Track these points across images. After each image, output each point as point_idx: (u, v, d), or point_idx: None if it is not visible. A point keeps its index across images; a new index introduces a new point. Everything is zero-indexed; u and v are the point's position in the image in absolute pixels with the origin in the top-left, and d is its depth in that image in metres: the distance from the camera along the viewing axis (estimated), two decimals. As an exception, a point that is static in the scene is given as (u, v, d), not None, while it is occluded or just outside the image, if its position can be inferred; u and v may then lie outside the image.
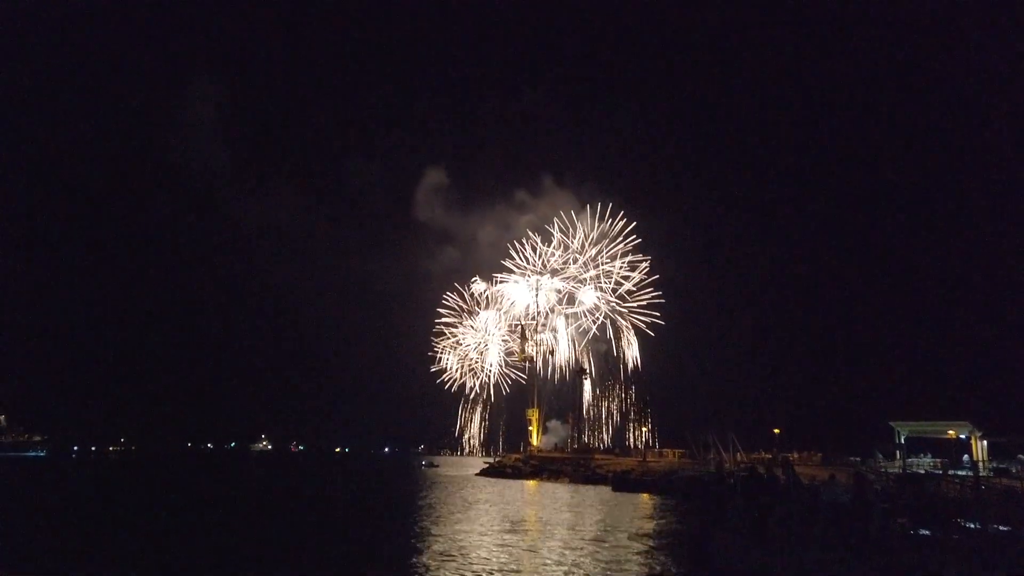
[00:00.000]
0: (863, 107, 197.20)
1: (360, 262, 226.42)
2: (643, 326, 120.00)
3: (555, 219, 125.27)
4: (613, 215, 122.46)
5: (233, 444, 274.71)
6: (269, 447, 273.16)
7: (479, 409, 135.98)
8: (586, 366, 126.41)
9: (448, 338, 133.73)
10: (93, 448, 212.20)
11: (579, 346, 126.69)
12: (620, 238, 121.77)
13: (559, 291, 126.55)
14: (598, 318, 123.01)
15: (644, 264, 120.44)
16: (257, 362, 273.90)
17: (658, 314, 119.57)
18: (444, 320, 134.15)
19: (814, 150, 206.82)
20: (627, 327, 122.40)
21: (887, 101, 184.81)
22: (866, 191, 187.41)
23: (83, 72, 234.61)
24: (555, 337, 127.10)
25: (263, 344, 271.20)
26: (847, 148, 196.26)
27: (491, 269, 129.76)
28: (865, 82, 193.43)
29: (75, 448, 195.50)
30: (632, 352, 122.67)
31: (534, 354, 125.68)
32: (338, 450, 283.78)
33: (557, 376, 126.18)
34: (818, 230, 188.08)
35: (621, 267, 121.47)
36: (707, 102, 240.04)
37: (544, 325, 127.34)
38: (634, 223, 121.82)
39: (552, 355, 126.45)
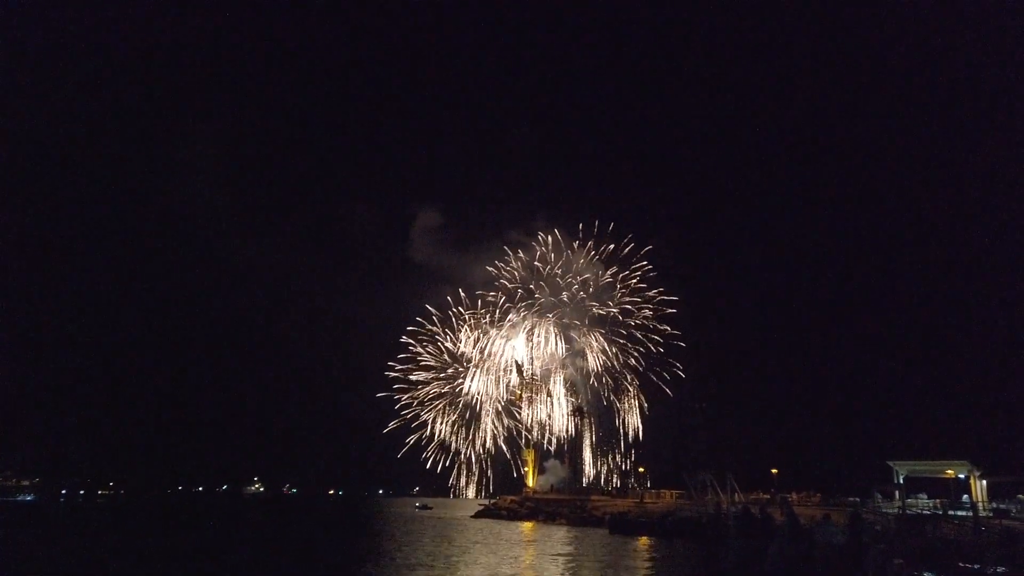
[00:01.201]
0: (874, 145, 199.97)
1: (355, 303, 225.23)
2: (655, 379, 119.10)
3: (550, 251, 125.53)
4: (617, 242, 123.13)
5: (225, 487, 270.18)
6: (262, 489, 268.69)
7: (473, 460, 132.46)
8: (584, 406, 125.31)
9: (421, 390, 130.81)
10: (82, 492, 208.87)
11: (579, 388, 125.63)
12: (627, 271, 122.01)
13: (557, 332, 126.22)
14: (599, 370, 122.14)
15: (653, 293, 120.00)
16: (250, 403, 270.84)
17: (679, 365, 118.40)
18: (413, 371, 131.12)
19: (812, 186, 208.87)
20: (632, 385, 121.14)
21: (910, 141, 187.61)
22: (863, 229, 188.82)
23: (79, 110, 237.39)
24: (552, 377, 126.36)
25: (256, 384, 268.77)
26: (844, 181, 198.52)
27: (486, 308, 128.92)
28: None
29: (64, 492, 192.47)
30: (634, 420, 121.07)
31: (531, 393, 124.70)
32: (332, 492, 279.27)
33: (555, 415, 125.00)
34: (817, 270, 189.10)
35: (621, 298, 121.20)
36: (708, 139, 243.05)
37: (542, 372, 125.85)
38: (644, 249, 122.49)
39: (549, 395, 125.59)
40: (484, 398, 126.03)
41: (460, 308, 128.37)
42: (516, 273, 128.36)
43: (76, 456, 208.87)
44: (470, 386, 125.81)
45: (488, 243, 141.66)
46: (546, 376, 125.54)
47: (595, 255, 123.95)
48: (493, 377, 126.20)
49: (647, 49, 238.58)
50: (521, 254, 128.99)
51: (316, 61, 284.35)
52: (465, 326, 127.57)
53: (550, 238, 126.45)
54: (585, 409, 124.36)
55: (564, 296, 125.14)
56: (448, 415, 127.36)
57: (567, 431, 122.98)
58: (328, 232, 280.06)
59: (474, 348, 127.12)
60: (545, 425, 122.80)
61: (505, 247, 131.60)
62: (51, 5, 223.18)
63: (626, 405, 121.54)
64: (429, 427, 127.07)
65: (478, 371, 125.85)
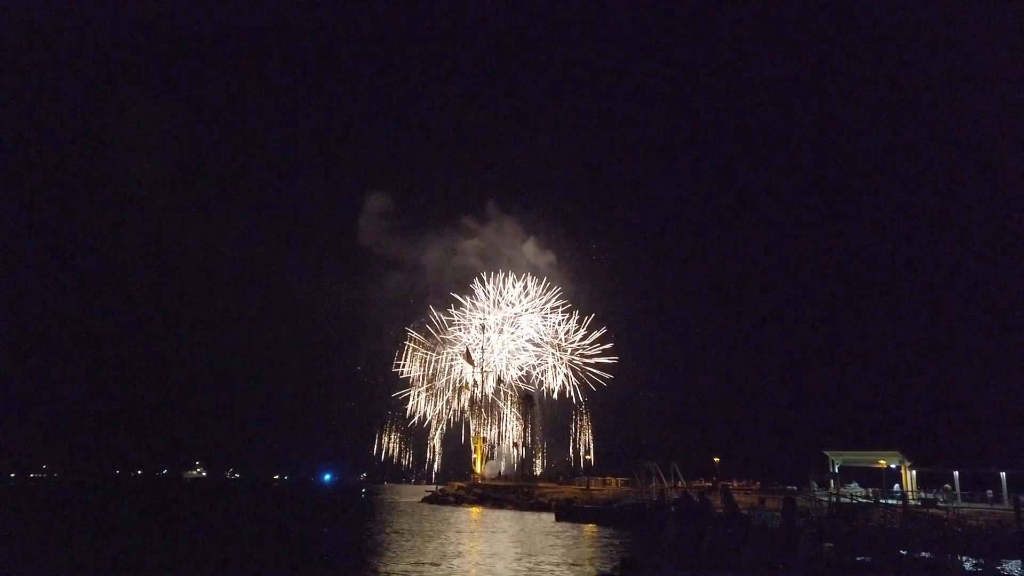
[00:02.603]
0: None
1: (301, 284, 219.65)
2: (596, 377, 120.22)
3: (503, 238, 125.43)
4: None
5: (165, 471, 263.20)
6: (204, 474, 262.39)
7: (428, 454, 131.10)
8: (533, 393, 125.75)
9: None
10: (13, 475, 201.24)
11: (530, 376, 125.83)
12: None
13: (508, 322, 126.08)
14: (550, 359, 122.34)
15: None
16: (192, 385, 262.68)
17: (610, 368, 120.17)
18: None
19: (757, 185, 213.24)
20: (584, 408, 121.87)
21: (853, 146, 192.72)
22: (799, 224, 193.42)
23: (15, 79, 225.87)
24: (504, 364, 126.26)
25: (197, 366, 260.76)
26: (783, 188, 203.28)
27: (437, 296, 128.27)
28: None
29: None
30: (586, 437, 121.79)
31: (480, 380, 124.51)
32: (277, 477, 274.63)
33: (506, 402, 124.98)
34: (753, 266, 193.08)
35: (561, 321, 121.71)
36: (658, 128, 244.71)
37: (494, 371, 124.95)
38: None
39: (499, 382, 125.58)
40: (433, 418, 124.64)
41: (411, 299, 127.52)
42: (468, 260, 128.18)
43: (6, 438, 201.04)
44: (416, 405, 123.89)
45: (440, 229, 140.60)
46: (497, 386, 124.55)
47: (545, 246, 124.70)
48: (443, 396, 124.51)
49: (597, 39, 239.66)
50: (475, 240, 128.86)
51: (267, 39, 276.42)
52: (409, 344, 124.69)
53: (503, 225, 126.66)
54: (535, 398, 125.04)
55: (512, 284, 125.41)
56: (394, 427, 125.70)
57: (515, 420, 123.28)
58: (277, 214, 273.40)
59: (421, 365, 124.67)
60: (494, 445, 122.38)
61: (458, 235, 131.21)
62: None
63: (577, 426, 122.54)
64: (376, 437, 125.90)
65: (424, 392, 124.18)
